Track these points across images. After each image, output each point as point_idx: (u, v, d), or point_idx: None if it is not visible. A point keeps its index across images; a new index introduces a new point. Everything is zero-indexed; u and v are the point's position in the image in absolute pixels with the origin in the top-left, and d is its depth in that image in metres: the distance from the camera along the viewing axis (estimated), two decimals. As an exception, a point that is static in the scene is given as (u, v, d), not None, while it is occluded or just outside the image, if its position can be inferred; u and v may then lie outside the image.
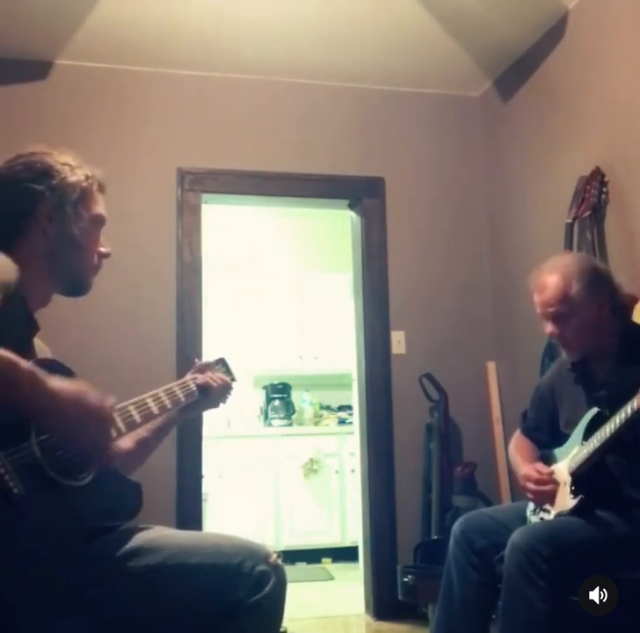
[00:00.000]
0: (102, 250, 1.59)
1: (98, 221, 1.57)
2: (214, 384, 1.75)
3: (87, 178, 1.55)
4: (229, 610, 1.38)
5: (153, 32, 3.50)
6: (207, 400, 1.75)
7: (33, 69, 3.68)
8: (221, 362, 1.89)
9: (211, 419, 4.06)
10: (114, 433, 1.39)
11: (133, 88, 3.81)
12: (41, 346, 1.54)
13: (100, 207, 1.58)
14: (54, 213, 1.49)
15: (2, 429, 1.19)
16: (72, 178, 1.52)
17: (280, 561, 1.45)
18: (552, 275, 2.20)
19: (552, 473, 2.17)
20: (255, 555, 1.42)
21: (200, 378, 1.74)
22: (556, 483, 2.14)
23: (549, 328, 2.22)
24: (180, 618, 1.38)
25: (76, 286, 1.57)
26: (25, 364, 1.20)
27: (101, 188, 1.60)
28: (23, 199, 1.49)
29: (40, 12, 3.28)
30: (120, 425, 1.42)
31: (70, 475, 1.29)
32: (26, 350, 1.41)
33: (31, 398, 1.19)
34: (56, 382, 1.23)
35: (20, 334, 1.38)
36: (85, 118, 3.66)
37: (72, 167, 1.54)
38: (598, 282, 2.20)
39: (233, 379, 1.87)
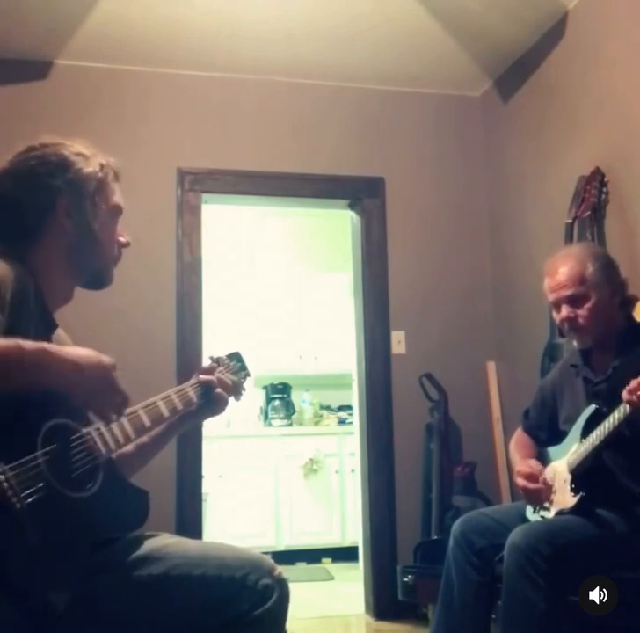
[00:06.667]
0: (121, 239, 1.55)
1: (116, 211, 1.54)
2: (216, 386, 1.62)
3: (102, 167, 1.51)
4: (231, 623, 1.37)
5: (153, 32, 3.50)
6: (208, 404, 1.62)
7: (33, 69, 3.67)
8: (236, 357, 1.79)
9: (211, 419, 4.04)
10: (122, 440, 1.37)
11: (133, 88, 3.81)
12: (59, 336, 1.51)
13: (117, 197, 1.54)
14: (72, 207, 1.46)
15: (8, 442, 1.16)
16: (88, 170, 1.48)
17: (283, 575, 1.43)
18: (567, 259, 2.22)
19: (542, 471, 2.18)
20: (259, 568, 1.41)
21: (203, 378, 1.61)
22: (547, 483, 2.15)
23: (563, 312, 2.19)
24: (183, 629, 1.37)
25: (98, 279, 1.54)
26: (31, 345, 1.20)
27: (116, 176, 1.56)
28: (41, 194, 1.44)
29: (40, 12, 3.28)
30: (128, 428, 1.39)
31: (76, 485, 1.25)
32: None
33: (49, 376, 1.22)
34: (71, 352, 1.27)
35: (37, 335, 1.34)
36: (85, 118, 3.65)
37: (86, 157, 1.50)
38: (611, 267, 2.22)
39: (247, 374, 1.79)
